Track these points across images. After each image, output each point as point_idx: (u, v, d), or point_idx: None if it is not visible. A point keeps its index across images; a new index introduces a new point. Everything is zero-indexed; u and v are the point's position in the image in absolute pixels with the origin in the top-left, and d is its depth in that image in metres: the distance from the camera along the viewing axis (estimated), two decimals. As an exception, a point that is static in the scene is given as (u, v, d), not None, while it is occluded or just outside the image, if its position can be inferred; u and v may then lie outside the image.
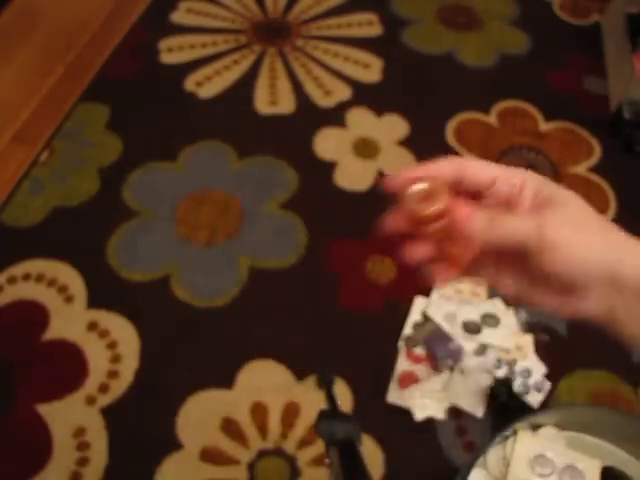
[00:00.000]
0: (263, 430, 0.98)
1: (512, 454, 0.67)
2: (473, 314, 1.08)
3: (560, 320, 1.09)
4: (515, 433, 0.70)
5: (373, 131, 1.39)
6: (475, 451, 0.67)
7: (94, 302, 1.10)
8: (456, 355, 1.04)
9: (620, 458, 0.68)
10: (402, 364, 1.05)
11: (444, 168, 0.37)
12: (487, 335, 1.05)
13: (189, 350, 1.06)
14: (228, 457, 0.96)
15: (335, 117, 1.41)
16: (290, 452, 0.96)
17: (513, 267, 0.35)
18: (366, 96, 1.46)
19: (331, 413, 0.66)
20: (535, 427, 0.70)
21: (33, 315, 1.08)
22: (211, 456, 0.96)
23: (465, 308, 1.09)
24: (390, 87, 1.49)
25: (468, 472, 0.65)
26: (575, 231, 0.32)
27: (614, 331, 0.34)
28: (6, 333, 1.07)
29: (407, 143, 1.37)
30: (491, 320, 1.07)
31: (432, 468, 0.96)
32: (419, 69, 1.54)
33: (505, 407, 0.99)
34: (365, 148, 1.36)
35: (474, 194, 0.37)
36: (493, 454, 0.68)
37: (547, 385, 1.03)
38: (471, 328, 1.06)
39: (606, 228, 0.34)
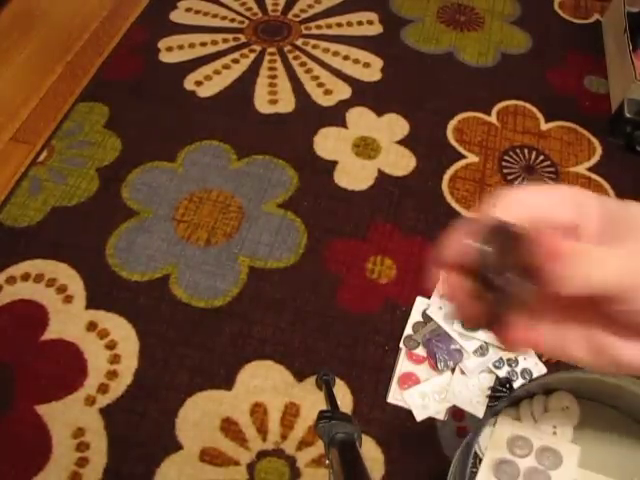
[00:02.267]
0: (263, 431, 0.98)
1: (492, 435, 0.67)
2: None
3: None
4: (530, 396, 0.70)
5: (373, 130, 1.39)
6: (486, 414, 0.67)
7: (93, 302, 1.10)
8: (456, 355, 1.03)
9: (631, 429, 0.68)
10: (402, 364, 1.05)
11: (510, 212, 0.27)
12: (488, 334, 1.05)
13: (188, 350, 1.06)
14: (228, 458, 0.95)
15: (335, 116, 1.41)
16: (290, 453, 0.96)
17: (578, 317, 0.28)
18: (366, 95, 1.46)
19: (331, 413, 0.65)
20: (548, 391, 0.70)
21: (32, 315, 1.08)
22: (211, 457, 0.95)
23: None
24: (390, 86, 1.49)
25: (479, 431, 0.65)
26: None
27: None
28: (5, 333, 1.07)
29: (407, 142, 1.37)
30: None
31: (432, 468, 0.96)
32: (419, 68, 1.53)
33: (506, 407, 0.99)
34: (365, 148, 1.36)
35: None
36: (505, 415, 0.68)
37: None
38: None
39: None
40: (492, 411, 0.67)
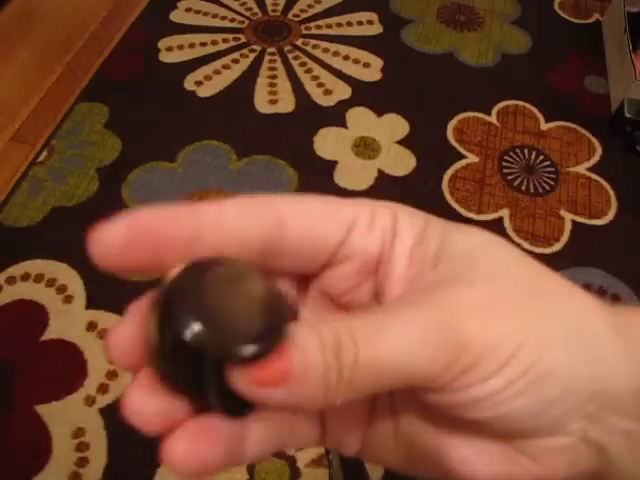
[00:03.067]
0: (263, 430, 0.98)
1: None
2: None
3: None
4: None
5: (373, 130, 1.39)
6: None
7: (93, 302, 1.10)
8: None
9: None
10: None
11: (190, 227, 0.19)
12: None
13: (189, 350, 1.06)
14: (228, 458, 0.95)
15: (335, 116, 1.41)
16: (290, 453, 0.96)
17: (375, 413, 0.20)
18: (366, 95, 1.46)
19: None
20: None
21: (32, 315, 1.08)
22: (211, 457, 0.95)
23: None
24: (390, 86, 1.49)
25: None
26: (503, 325, 0.17)
27: None
28: (5, 333, 1.07)
29: (407, 143, 1.37)
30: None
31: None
32: (419, 68, 1.53)
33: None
34: (365, 148, 1.36)
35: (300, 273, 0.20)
36: None
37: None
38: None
39: (561, 289, 0.19)
40: None
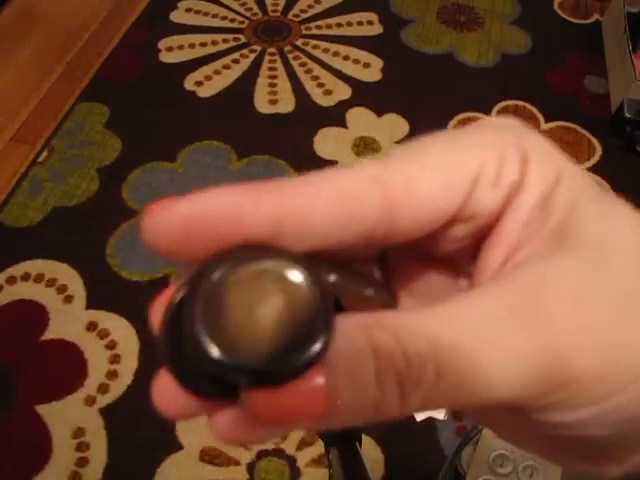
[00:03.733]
0: (263, 430, 0.98)
1: (474, 453, 0.67)
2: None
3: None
4: None
5: (373, 131, 1.39)
6: (468, 430, 0.67)
7: (93, 302, 1.10)
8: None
9: None
10: (402, 364, 1.05)
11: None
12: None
13: (189, 350, 1.06)
14: (228, 458, 0.95)
15: (335, 116, 1.41)
16: (290, 452, 0.96)
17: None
18: (366, 95, 1.46)
19: (331, 414, 0.65)
20: None
21: (32, 315, 1.08)
22: (211, 456, 0.95)
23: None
24: (390, 86, 1.49)
25: (462, 448, 0.65)
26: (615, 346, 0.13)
27: None
28: (5, 333, 1.07)
29: (407, 143, 1.37)
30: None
31: (432, 468, 0.96)
32: (419, 68, 1.53)
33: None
34: (365, 148, 1.36)
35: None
36: (488, 433, 0.68)
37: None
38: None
39: None
40: (475, 429, 0.67)
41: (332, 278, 0.16)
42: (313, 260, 0.14)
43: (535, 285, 0.13)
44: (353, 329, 0.13)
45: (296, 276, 0.13)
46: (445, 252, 0.16)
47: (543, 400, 0.14)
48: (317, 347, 0.13)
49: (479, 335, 0.13)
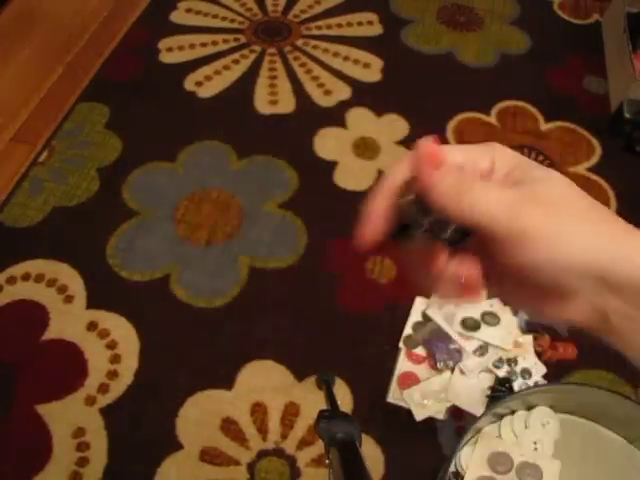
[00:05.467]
0: (263, 430, 0.98)
1: (473, 453, 0.67)
2: (473, 313, 1.08)
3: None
4: (511, 412, 0.70)
5: (373, 131, 1.39)
6: (466, 430, 0.67)
7: (94, 302, 1.10)
8: (456, 355, 1.03)
9: (608, 439, 0.68)
10: (402, 364, 1.05)
11: (399, 173, 0.31)
12: (487, 333, 1.05)
13: (189, 350, 1.06)
14: (228, 457, 0.96)
15: (335, 117, 1.41)
16: (290, 452, 0.96)
17: (479, 256, 0.29)
18: (366, 96, 1.46)
19: (331, 413, 0.66)
20: (530, 407, 0.71)
21: (33, 315, 1.08)
22: (211, 456, 0.96)
23: (465, 308, 1.09)
24: (390, 87, 1.49)
25: (461, 448, 0.65)
26: (554, 217, 0.26)
27: (608, 340, 0.28)
28: (6, 333, 1.07)
29: (407, 143, 1.37)
30: (491, 319, 1.07)
31: (432, 468, 0.96)
32: (419, 68, 1.53)
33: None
34: (365, 148, 1.36)
35: None
36: (486, 432, 0.69)
37: (547, 385, 1.02)
38: (470, 325, 1.05)
39: (598, 214, 0.27)
40: (473, 429, 0.67)
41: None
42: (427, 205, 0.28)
43: (517, 186, 0.28)
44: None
45: None
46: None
47: (508, 233, 0.26)
48: None
49: (485, 185, 0.28)
